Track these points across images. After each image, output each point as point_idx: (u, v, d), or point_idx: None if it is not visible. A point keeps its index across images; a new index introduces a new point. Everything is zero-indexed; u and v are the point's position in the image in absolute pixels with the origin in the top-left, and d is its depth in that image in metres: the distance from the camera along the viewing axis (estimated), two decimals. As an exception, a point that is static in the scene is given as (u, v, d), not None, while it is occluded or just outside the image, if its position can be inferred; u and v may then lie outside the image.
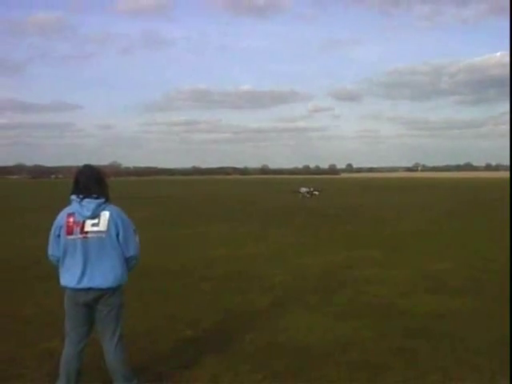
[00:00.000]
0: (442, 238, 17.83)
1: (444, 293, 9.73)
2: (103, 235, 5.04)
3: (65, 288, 5.18)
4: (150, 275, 11.07)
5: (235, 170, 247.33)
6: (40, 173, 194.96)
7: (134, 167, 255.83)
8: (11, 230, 20.86)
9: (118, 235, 5.08)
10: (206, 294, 9.87)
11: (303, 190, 44.80)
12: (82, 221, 5.03)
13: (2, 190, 77.85)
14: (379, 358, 6.44)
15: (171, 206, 36.88)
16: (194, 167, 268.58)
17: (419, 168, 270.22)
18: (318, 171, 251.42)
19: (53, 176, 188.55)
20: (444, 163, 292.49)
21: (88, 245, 5.02)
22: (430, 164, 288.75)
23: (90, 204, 5.05)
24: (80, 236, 5.01)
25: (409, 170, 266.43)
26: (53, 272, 6.03)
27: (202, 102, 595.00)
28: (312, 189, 45.19)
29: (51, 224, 5.27)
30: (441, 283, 10.56)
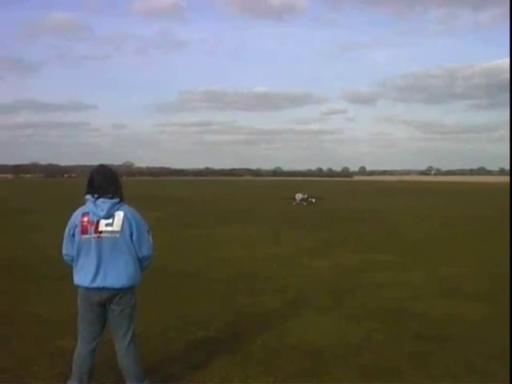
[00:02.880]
0: (456, 242, 17.75)
1: (457, 297, 9.69)
2: (117, 235, 5.06)
3: (78, 287, 5.21)
4: (163, 276, 11.09)
5: (248, 172, 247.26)
6: (53, 172, 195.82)
7: (148, 167, 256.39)
8: (23, 229, 20.96)
9: (131, 235, 5.11)
10: (218, 295, 9.88)
11: (298, 196, 39.09)
12: (96, 220, 5.05)
13: (15, 188, 78.29)
14: (390, 361, 6.43)
15: (184, 206, 36.93)
16: (207, 168, 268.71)
17: (432, 172, 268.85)
18: (330, 174, 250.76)
19: (66, 175, 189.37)
20: (458, 167, 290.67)
21: (102, 244, 5.05)
22: (443, 168, 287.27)
23: (104, 204, 5.07)
24: (94, 235, 5.04)
25: (422, 173, 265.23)
26: (65, 271, 6.08)
27: (216, 104, 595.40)
28: (307, 195, 39.78)
29: (64, 223, 5.31)
30: (454, 288, 10.53)
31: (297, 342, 7.09)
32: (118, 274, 5.08)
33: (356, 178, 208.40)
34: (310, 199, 39.03)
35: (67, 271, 5.65)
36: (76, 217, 5.16)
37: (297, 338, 7.30)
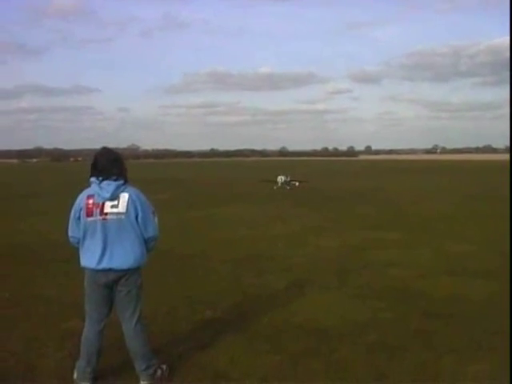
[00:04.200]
0: (462, 220, 17.74)
1: (463, 275, 9.71)
2: (122, 216, 5.08)
3: (85, 269, 5.25)
4: (169, 257, 11.14)
5: (254, 153, 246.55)
6: (59, 156, 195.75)
7: (153, 150, 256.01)
8: (28, 214, 21.01)
9: (136, 217, 5.13)
10: (224, 275, 9.92)
11: (281, 179, 33.49)
12: (101, 202, 5.08)
13: (20, 173, 78.38)
14: (397, 339, 6.46)
15: (190, 188, 36.92)
16: (212, 149, 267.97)
17: (438, 150, 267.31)
18: (336, 153, 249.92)
19: (71, 159, 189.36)
20: (463, 145, 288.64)
21: (107, 226, 5.07)
22: (449, 146, 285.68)
23: (109, 186, 5.09)
24: (100, 217, 5.07)
25: (428, 152, 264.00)
26: (71, 254, 6.12)
27: (220, 85, 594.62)
28: (289, 178, 34.23)
29: (68, 207, 5.34)
30: (460, 266, 10.53)
31: (303, 321, 7.13)
32: (124, 255, 5.11)
33: (361, 157, 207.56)
34: (292, 182, 33.73)
35: (73, 254, 5.68)
36: (81, 199, 5.19)
37: (303, 316, 7.33)
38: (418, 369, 5.62)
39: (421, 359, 5.86)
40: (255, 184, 36.60)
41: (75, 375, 5.34)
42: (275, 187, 32.81)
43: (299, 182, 34.47)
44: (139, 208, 5.14)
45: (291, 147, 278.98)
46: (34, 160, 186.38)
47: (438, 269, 10.27)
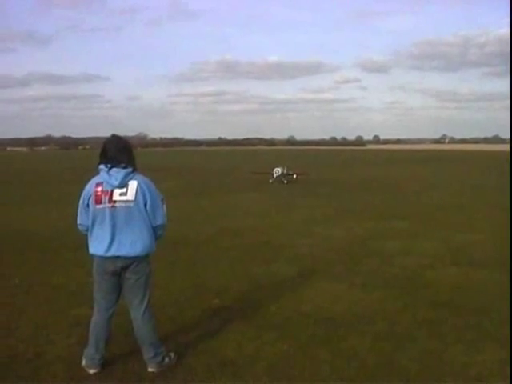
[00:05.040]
0: (470, 210, 17.69)
1: (470, 265, 9.69)
2: (131, 204, 5.09)
3: (93, 256, 5.26)
4: (177, 245, 11.17)
5: (261, 141, 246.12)
6: (67, 144, 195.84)
7: (161, 138, 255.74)
8: (38, 202, 21.09)
9: (145, 204, 5.13)
10: (231, 263, 9.93)
11: (277, 171, 29.73)
12: (110, 190, 5.08)
13: (30, 161, 78.62)
14: (404, 328, 6.46)
15: (198, 176, 36.93)
16: (220, 138, 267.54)
17: (447, 140, 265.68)
18: (344, 142, 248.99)
19: (80, 147, 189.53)
20: (472, 135, 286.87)
21: (116, 214, 5.08)
22: (457, 136, 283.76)
23: (118, 173, 5.09)
24: (108, 205, 5.07)
25: (436, 141, 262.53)
26: (80, 242, 6.14)
27: (229, 73, 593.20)
28: (286, 170, 30.54)
29: (77, 195, 5.35)
30: (467, 255, 10.53)
31: (311, 310, 7.14)
32: (132, 243, 5.11)
33: (370, 146, 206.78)
34: (290, 175, 30.43)
35: (82, 242, 5.71)
36: (90, 187, 5.19)
37: (310, 305, 7.34)
38: (426, 358, 5.61)
39: (428, 348, 5.85)
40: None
41: (84, 362, 5.37)
42: (270, 180, 29.46)
43: (298, 174, 30.99)
44: (148, 196, 5.14)
45: (299, 136, 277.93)
46: (43, 148, 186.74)
47: (445, 258, 10.26)
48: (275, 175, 29.60)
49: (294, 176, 30.41)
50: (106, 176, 5.10)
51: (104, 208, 5.08)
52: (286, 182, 29.52)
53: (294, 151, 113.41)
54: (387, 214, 16.79)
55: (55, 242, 12.01)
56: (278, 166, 30.35)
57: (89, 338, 5.40)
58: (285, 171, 30.22)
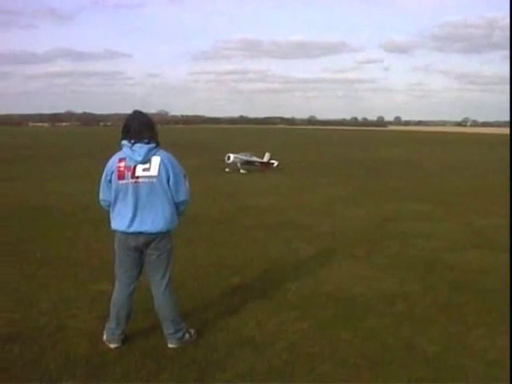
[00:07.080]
0: (491, 193, 17.52)
1: (492, 249, 9.61)
2: (154, 180, 5.07)
3: (115, 232, 5.27)
4: (199, 223, 11.21)
5: (282, 120, 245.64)
6: (89, 120, 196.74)
7: (182, 115, 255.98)
8: (60, 177, 21.23)
9: (168, 180, 5.11)
10: (253, 242, 9.95)
11: (237, 157, 24.46)
12: (133, 166, 5.06)
13: (51, 136, 79.05)
14: (424, 311, 6.43)
15: (218, 154, 36.86)
16: (241, 116, 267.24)
17: (469, 123, 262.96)
18: (365, 123, 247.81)
19: (101, 123, 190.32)
20: (494, 119, 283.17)
21: (139, 189, 5.07)
22: (480, 119, 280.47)
23: (141, 149, 5.07)
24: (131, 181, 5.06)
25: (458, 124, 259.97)
26: (102, 217, 6.17)
27: (251, 52, 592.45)
28: (249, 155, 25.51)
29: (100, 171, 5.35)
30: (488, 239, 10.45)
31: (331, 290, 7.13)
32: (154, 219, 5.11)
33: (391, 127, 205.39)
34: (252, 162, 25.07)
35: (104, 217, 5.73)
36: (113, 162, 5.18)
37: (330, 285, 7.33)
38: (445, 340, 5.58)
39: (449, 331, 5.82)
40: (284, 154, 34.38)
41: (105, 336, 5.41)
42: (227, 169, 24.24)
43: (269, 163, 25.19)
44: (171, 172, 5.12)
45: (320, 116, 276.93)
46: (64, 124, 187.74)
47: (466, 242, 10.19)
48: (233, 162, 24.19)
49: (275, 162, 25.17)
50: (129, 151, 5.09)
51: (127, 183, 5.08)
52: (243, 172, 23.99)
53: (313, 130, 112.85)
54: (408, 195, 16.70)
55: (77, 217, 12.09)
56: (241, 153, 25.39)
57: (110, 312, 5.43)
58: (247, 157, 25.16)
